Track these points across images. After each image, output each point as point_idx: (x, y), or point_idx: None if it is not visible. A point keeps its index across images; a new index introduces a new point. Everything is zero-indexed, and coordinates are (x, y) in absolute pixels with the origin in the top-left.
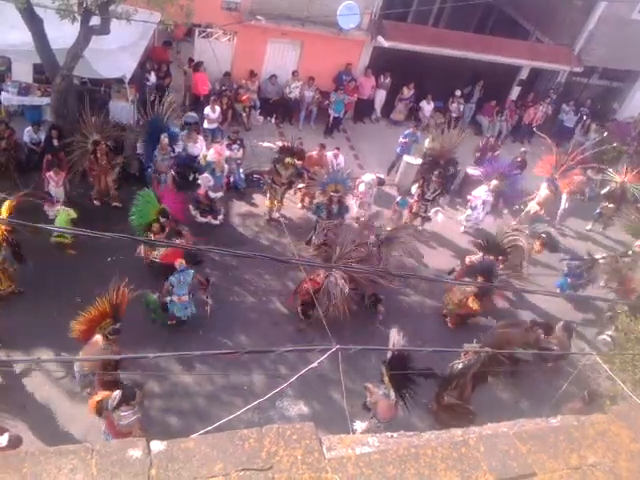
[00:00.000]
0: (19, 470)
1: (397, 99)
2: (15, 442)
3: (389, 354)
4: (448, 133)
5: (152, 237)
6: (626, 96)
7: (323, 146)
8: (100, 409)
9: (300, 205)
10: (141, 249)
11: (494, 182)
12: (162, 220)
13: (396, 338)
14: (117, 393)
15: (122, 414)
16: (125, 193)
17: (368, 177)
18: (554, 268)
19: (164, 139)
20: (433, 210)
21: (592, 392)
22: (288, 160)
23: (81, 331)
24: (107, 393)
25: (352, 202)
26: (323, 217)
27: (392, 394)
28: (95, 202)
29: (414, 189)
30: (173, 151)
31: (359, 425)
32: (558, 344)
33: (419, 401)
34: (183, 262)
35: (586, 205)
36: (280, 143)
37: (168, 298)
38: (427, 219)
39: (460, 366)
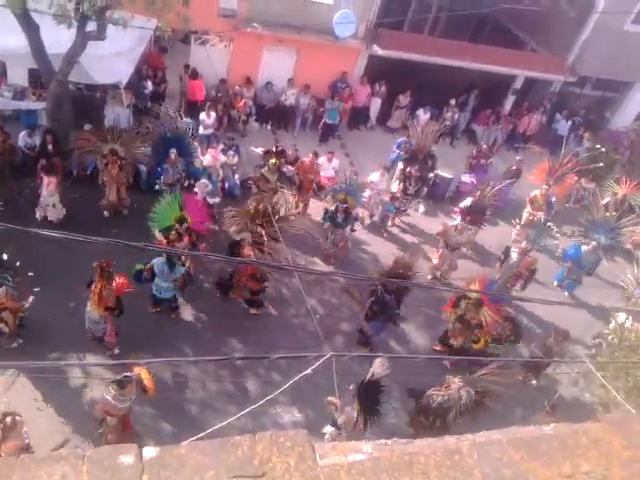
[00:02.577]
0: (8, 477)
1: (394, 107)
2: (13, 423)
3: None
4: (426, 129)
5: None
6: (619, 106)
7: (316, 154)
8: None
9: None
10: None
11: (479, 192)
12: (178, 227)
13: (378, 368)
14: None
15: (121, 398)
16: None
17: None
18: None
19: (172, 154)
20: (415, 202)
21: (554, 403)
22: (273, 162)
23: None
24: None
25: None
26: (328, 225)
27: (355, 414)
28: (105, 213)
29: (395, 187)
30: (186, 166)
31: (328, 429)
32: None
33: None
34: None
35: (580, 213)
36: (261, 149)
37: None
38: (404, 213)
39: (439, 400)
